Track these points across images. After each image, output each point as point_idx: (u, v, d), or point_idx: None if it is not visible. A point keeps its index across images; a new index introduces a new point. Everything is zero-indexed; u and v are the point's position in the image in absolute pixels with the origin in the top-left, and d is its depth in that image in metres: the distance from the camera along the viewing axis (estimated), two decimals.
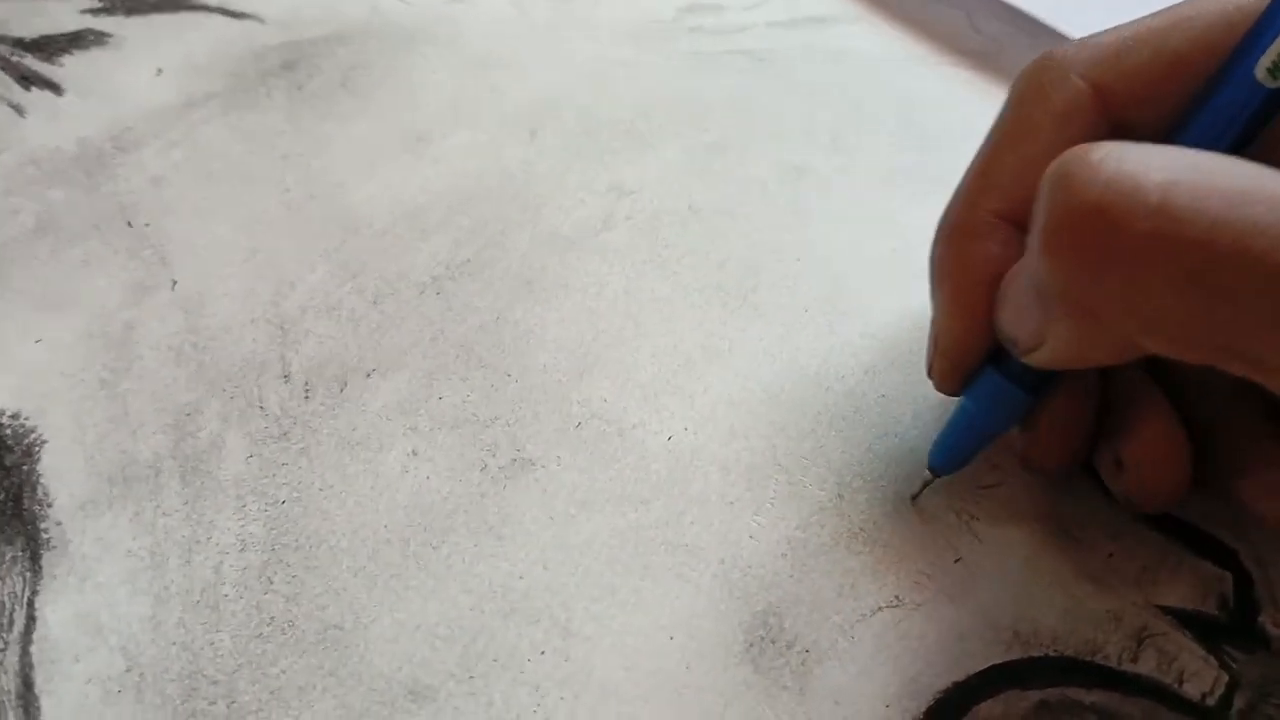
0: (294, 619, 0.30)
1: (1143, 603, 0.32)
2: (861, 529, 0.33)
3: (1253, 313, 0.19)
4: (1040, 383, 0.29)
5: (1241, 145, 0.25)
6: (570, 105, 0.44)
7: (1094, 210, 0.20)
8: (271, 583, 0.31)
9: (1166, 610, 0.32)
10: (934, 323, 0.31)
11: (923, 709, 0.29)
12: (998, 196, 0.28)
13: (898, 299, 0.38)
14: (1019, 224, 0.28)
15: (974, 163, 0.30)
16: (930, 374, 0.32)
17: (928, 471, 0.32)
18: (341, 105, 0.45)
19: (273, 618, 0.30)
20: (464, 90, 0.45)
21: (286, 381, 0.35)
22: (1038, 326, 0.25)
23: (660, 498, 0.33)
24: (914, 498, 0.33)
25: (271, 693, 0.29)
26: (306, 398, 0.35)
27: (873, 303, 0.38)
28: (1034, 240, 0.22)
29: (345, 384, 0.35)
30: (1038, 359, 0.26)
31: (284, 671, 0.29)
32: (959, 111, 0.46)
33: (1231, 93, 0.25)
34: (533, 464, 0.34)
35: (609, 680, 0.29)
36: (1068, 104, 0.27)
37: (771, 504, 0.33)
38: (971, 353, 0.30)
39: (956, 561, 0.32)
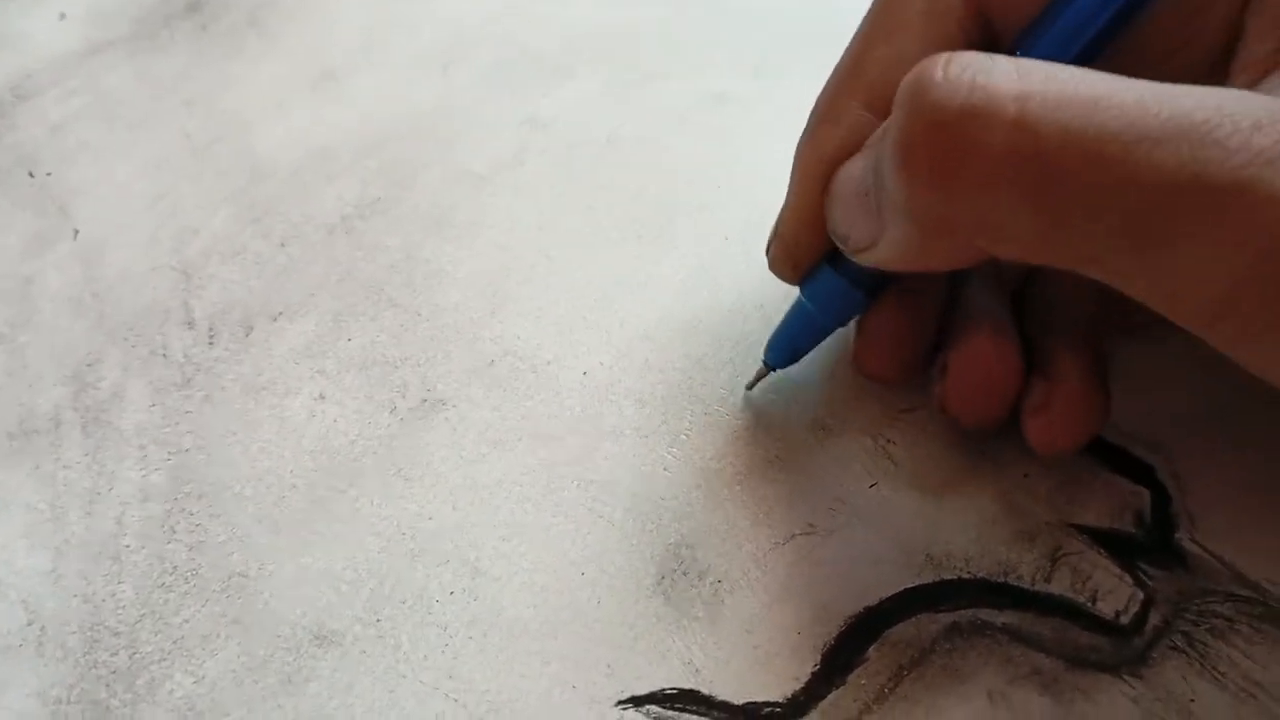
0: (197, 568, 0.30)
1: (1057, 522, 0.32)
2: (778, 457, 0.32)
3: (1105, 220, 0.19)
4: (876, 283, 0.29)
5: (1095, 53, 0.25)
6: (487, 38, 0.43)
7: (949, 125, 0.20)
8: (174, 532, 0.30)
9: (1082, 529, 0.32)
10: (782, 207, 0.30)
11: (834, 634, 0.29)
12: (863, 88, 0.28)
13: None
14: (883, 117, 0.27)
15: (845, 52, 0.29)
16: (767, 257, 0.31)
17: (762, 365, 0.32)
18: (248, 45, 0.43)
19: (175, 567, 0.30)
20: (375, 26, 0.44)
21: (190, 328, 0.35)
22: (871, 227, 0.24)
23: (573, 434, 0.33)
24: (748, 387, 0.33)
25: (174, 642, 0.28)
26: (210, 344, 0.34)
27: None
28: (885, 149, 0.22)
29: (251, 329, 0.35)
30: (869, 259, 0.25)
31: (187, 620, 0.29)
32: None
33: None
34: (444, 403, 0.33)
35: (518, 618, 0.29)
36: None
37: (687, 436, 0.33)
38: (807, 243, 0.29)
39: (872, 487, 0.32)
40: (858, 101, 0.28)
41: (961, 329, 0.30)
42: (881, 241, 0.24)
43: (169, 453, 0.32)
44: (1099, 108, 0.18)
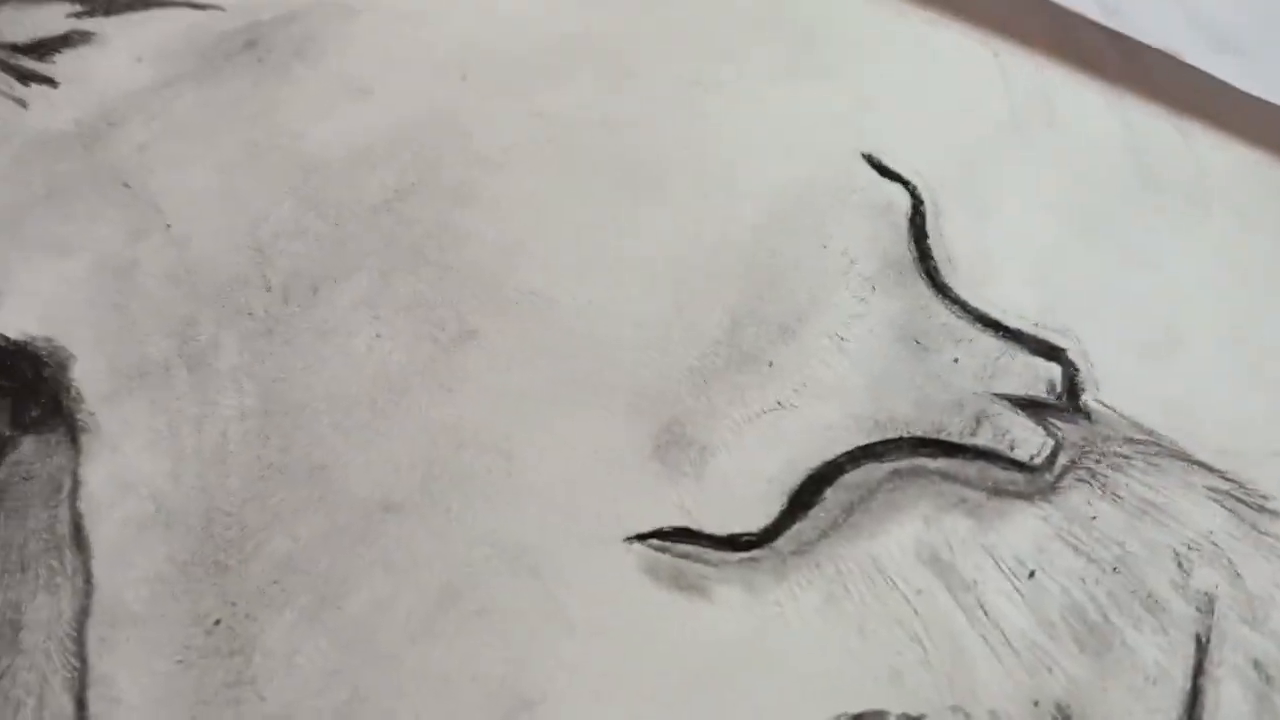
0: (286, 465, 0.37)
1: (983, 392, 0.38)
2: (751, 355, 0.40)
3: None
4: None
5: None
6: (494, 49, 0.51)
7: None
8: (268, 439, 0.38)
9: (1003, 397, 0.38)
10: None
11: (799, 481, 0.36)
12: None
13: (782, 175, 0.45)
14: None
15: None
16: None
17: None
18: (295, 71, 0.51)
19: (270, 464, 0.37)
20: (400, 47, 0.52)
21: (268, 291, 0.42)
22: None
23: (582, 351, 0.40)
24: None
25: (274, 515, 0.36)
26: (285, 302, 0.42)
27: (761, 181, 0.45)
28: None
29: (317, 289, 0.42)
30: None
31: (282, 500, 0.36)
32: (833, 11, 0.53)
33: None
34: (475, 334, 0.41)
35: (545, 485, 0.36)
36: None
37: (676, 345, 0.40)
38: None
39: (829, 372, 0.39)
40: None
41: None
42: None
43: (258, 384, 0.39)
44: None
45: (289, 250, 0.44)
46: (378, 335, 0.41)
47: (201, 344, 0.41)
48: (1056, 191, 0.45)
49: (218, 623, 0.34)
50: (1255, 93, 0.48)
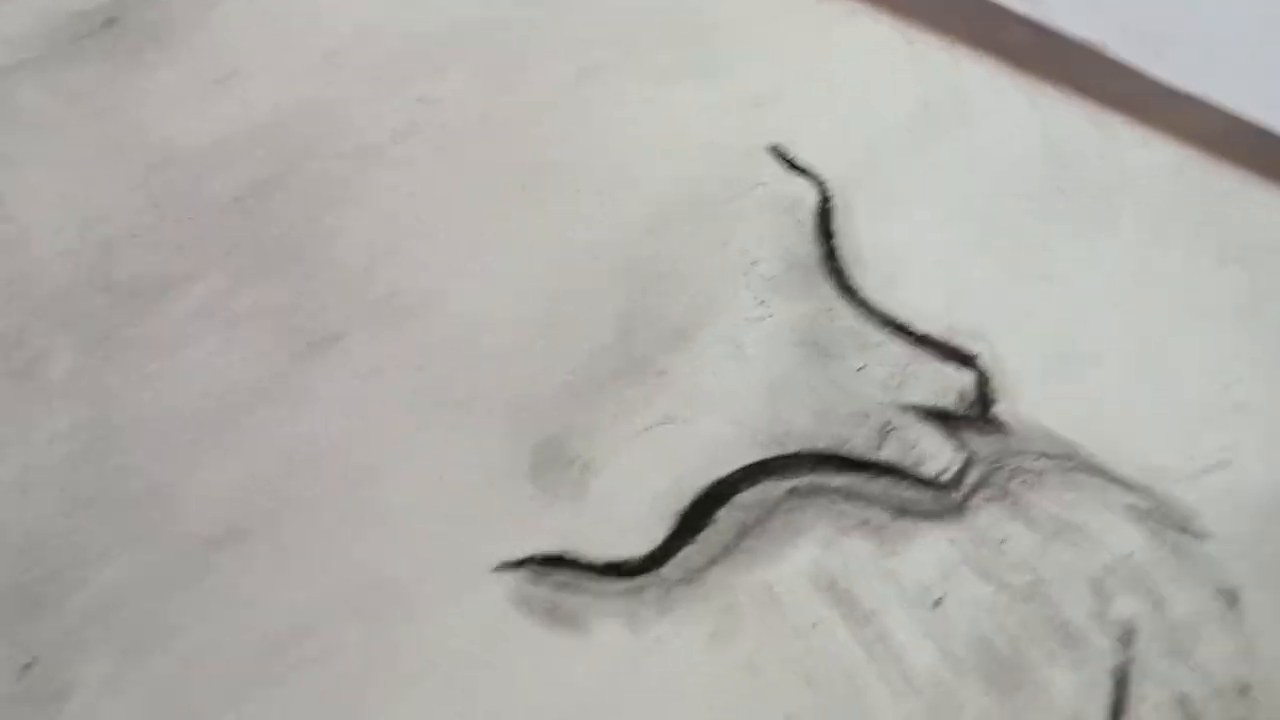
0: (116, 487, 0.33)
1: (889, 402, 0.35)
2: (639, 363, 0.36)
3: None
4: None
5: None
6: (372, 36, 0.47)
7: None
8: (99, 458, 0.33)
9: (911, 408, 0.35)
10: None
11: (688, 501, 0.33)
12: None
13: (674, 172, 0.42)
14: None
15: None
16: None
17: None
18: (152, 56, 0.47)
19: (99, 486, 0.33)
20: (267, 34, 0.48)
21: (107, 293, 0.38)
22: None
23: (452, 359, 0.36)
24: None
25: (99, 544, 0.31)
26: (126, 306, 0.38)
27: (651, 178, 0.42)
28: None
29: (163, 292, 0.38)
30: None
31: (109, 528, 0.32)
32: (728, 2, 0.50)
33: None
34: (338, 339, 0.37)
35: (406, 508, 0.32)
36: None
37: (556, 353, 0.36)
38: None
39: (723, 381, 0.36)
40: None
41: None
42: None
43: (89, 397, 0.35)
44: None
45: (133, 251, 0.39)
46: (226, 341, 0.37)
47: (30, 353, 0.36)
48: (970, 190, 0.42)
49: (28, 666, 0.30)
50: (1180, 86, 0.46)
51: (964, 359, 0.37)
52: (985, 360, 0.37)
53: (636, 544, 0.31)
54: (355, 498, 0.32)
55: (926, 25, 0.50)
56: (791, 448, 0.34)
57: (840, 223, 0.41)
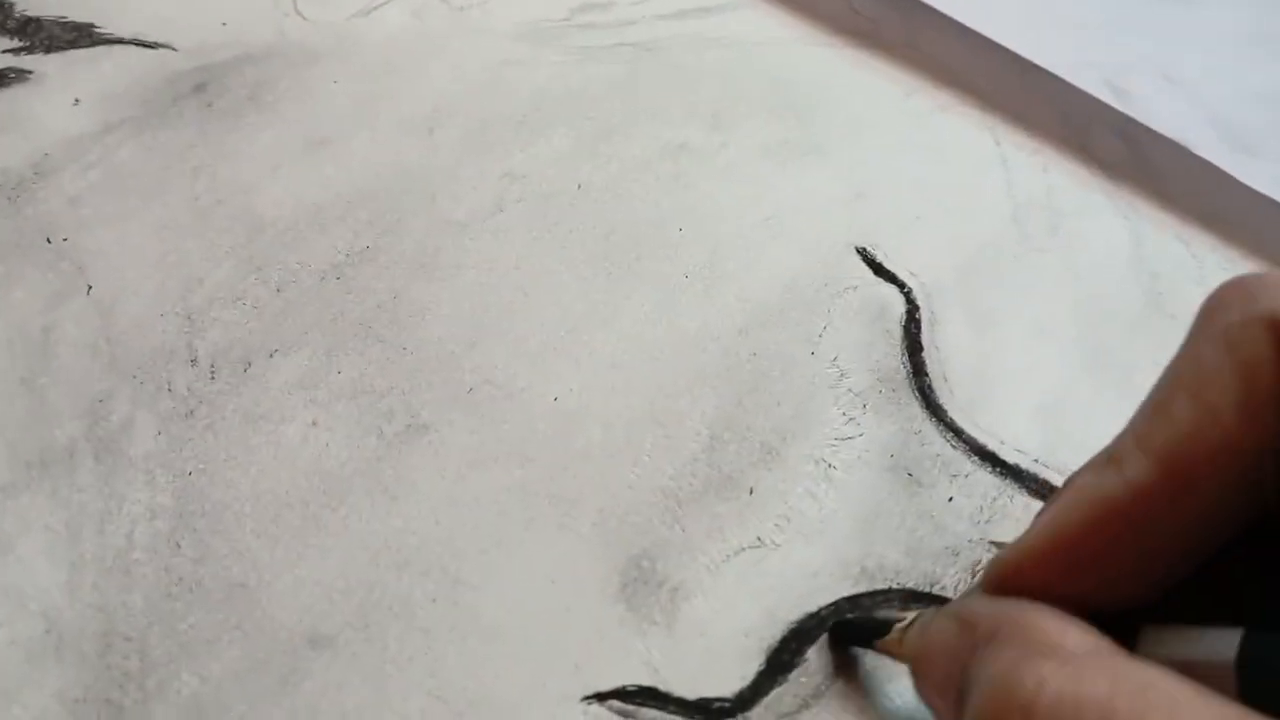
0: (201, 579, 0.33)
1: (978, 538, 0.35)
2: (730, 477, 0.36)
3: None
4: None
5: None
6: (466, 104, 0.47)
7: None
8: (180, 547, 0.33)
9: (1000, 545, 0.35)
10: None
11: (778, 637, 0.32)
12: (1157, 443, 0.24)
13: (770, 264, 0.42)
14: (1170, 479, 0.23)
15: (1148, 396, 0.25)
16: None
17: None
18: (248, 119, 0.46)
19: (181, 578, 0.33)
20: (364, 98, 0.47)
21: (193, 365, 0.38)
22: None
23: (545, 454, 0.36)
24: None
25: (181, 646, 0.31)
26: (212, 378, 0.37)
27: (748, 268, 0.41)
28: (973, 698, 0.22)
29: (249, 364, 0.38)
30: None
31: (192, 626, 0.32)
32: (834, 87, 0.49)
33: None
34: (426, 428, 0.36)
35: (495, 623, 0.32)
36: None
37: (648, 457, 0.36)
38: (1035, 584, 0.24)
39: (815, 505, 0.35)
40: (1145, 454, 0.24)
41: None
42: None
43: (174, 476, 0.35)
44: None
45: (222, 319, 0.39)
46: (314, 423, 0.36)
47: (113, 425, 0.36)
48: (1061, 309, 0.42)
49: None
50: (1269, 193, 0.45)
51: (1052, 492, 0.36)
52: None
53: (727, 681, 0.31)
54: (442, 604, 0.32)
55: (1010, 115, 0.50)
56: (882, 583, 0.34)
57: (928, 336, 0.40)
